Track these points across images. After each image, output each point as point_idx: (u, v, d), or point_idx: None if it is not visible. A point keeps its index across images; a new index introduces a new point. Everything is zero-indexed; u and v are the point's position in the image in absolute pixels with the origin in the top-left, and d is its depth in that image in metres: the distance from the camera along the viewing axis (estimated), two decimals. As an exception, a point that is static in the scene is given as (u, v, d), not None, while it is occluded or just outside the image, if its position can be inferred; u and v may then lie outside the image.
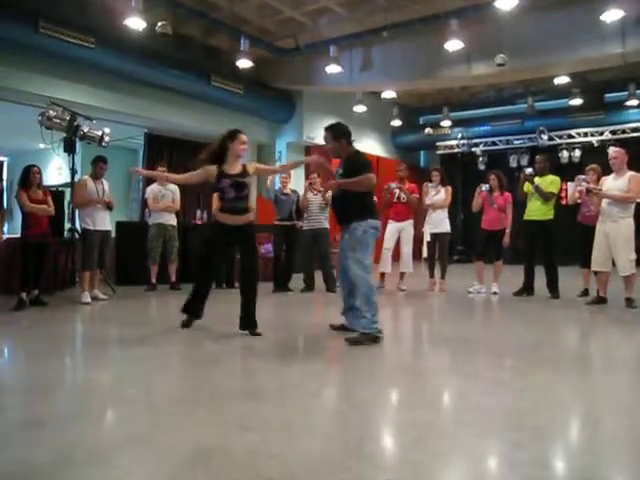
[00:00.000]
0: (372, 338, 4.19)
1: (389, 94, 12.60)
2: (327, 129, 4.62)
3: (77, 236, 6.91)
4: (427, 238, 8.07)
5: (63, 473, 1.98)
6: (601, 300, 6.33)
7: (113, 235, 7.56)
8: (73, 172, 7.09)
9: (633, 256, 6.00)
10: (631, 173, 6.05)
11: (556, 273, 7.03)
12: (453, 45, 9.20)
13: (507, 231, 7.42)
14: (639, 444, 2.31)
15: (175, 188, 8.17)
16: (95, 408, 2.76)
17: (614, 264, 6.17)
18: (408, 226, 7.96)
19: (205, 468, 2.01)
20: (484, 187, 7.61)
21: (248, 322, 4.61)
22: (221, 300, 7.37)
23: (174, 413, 2.66)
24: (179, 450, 2.16)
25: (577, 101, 12.70)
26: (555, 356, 3.97)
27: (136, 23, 8.15)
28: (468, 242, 14.03)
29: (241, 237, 4.67)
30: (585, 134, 13.51)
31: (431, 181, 8.00)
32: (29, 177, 6.14)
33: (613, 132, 13.07)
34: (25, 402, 2.89)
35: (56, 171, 13.53)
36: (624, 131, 12.92)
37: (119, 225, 8.70)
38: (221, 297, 7.61)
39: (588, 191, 6.34)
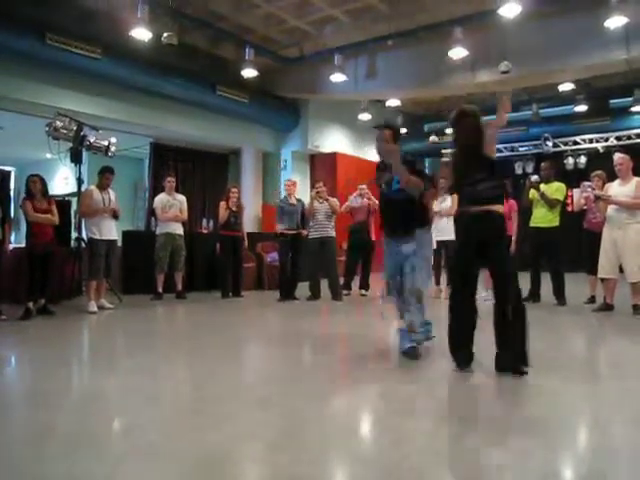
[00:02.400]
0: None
1: (394, 102, 12.64)
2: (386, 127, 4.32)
3: (83, 245, 6.94)
4: (433, 246, 8.05)
5: (70, 482, 1.99)
6: (608, 307, 6.29)
7: (119, 244, 7.59)
8: (79, 182, 7.13)
9: (641, 262, 5.98)
10: (637, 179, 6.04)
11: (562, 280, 7.00)
12: (457, 53, 9.22)
13: (512, 238, 7.40)
14: (647, 452, 2.30)
15: (183, 198, 8.21)
16: (101, 417, 2.76)
17: (621, 270, 6.15)
18: (414, 234, 7.94)
19: (211, 475, 2.01)
20: (490, 194, 7.59)
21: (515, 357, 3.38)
22: (226, 307, 7.39)
23: (180, 422, 2.66)
24: (185, 459, 2.16)
25: (582, 107, 12.68)
26: (562, 363, 3.95)
27: (142, 34, 8.22)
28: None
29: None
30: (590, 140, 13.48)
31: (437, 188, 8.01)
32: (29, 187, 6.20)
33: (618, 138, 13.03)
34: (32, 412, 2.90)
35: (63, 181, 13.60)
36: (629, 137, 12.88)
37: (125, 234, 8.74)
38: (226, 305, 7.63)
39: (597, 197, 6.31)
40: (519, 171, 13.95)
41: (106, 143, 7.21)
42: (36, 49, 8.15)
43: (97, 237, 6.68)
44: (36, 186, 6.22)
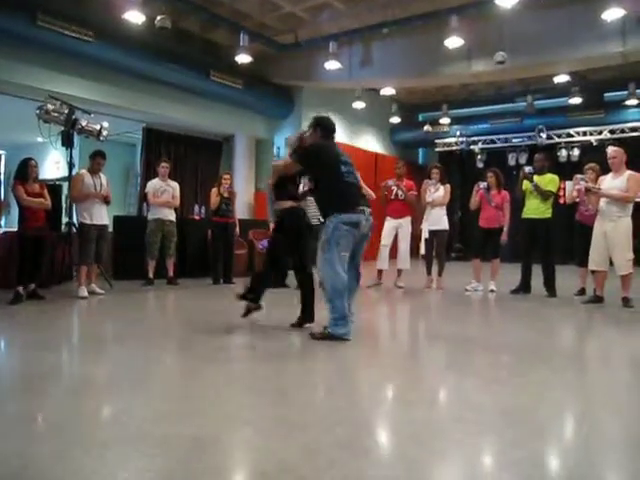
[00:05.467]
0: (333, 338, 4.12)
1: (388, 91, 12.58)
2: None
3: (74, 230, 6.89)
4: (425, 235, 8.07)
5: (59, 466, 1.98)
6: (598, 299, 6.33)
7: (110, 229, 7.55)
8: (71, 166, 7.06)
9: (630, 255, 6.01)
10: (630, 172, 6.05)
11: (553, 271, 7.03)
12: (453, 42, 9.17)
13: (504, 229, 7.43)
14: (635, 442, 2.31)
15: (176, 185, 8.15)
16: (91, 401, 2.75)
17: (611, 263, 6.18)
18: (405, 223, 7.97)
19: (201, 461, 2.00)
20: (482, 185, 7.62)
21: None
22: (217, 294, 7.37)
23: (170, 407, 2.65)
24: (175, 443, 2.16)
25: (576, 100, 12.69)
26: (552, 354, 3.97)
27: (135, 17, 8.12)
28: (466, 240, 14.04)
29: None
30: (584, 133, 13.50)
31: (431, 178, 8.00)
32: (26, 170, 6.12)
33: (612, 131, 13.05)
34: (21, 396, 2.88)
35: (54, 165, 13.49)
36: (623, 130, 12.91)
37: (117, 219, 8.69)
38: (217, 291, 7.62)
39: (587, 190, 6.33)
40: (512, 162, 13.97)
41: (98, 127, 7.13)
42: (27, 30, 8.03)
43: (88, 222, 6.63)
44: (35, 170, 6.18)
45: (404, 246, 7.96)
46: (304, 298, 4.74)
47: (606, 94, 13.23)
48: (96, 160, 6.82)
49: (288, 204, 4.75)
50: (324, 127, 4.50)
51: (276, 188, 4.77)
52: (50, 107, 6.79)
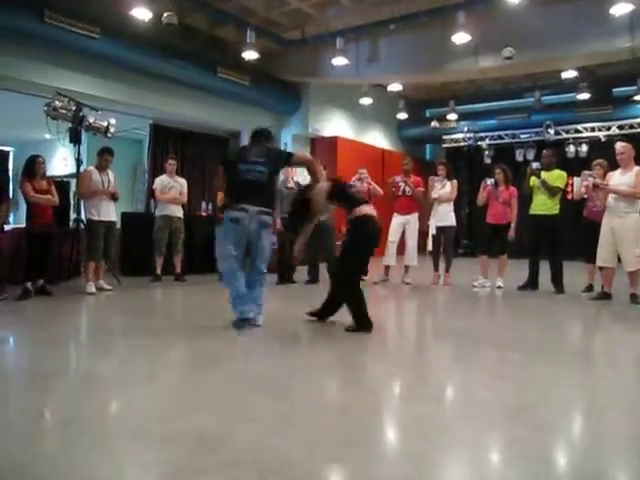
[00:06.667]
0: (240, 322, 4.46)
1: (395, 87, 12.53)
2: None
3: (82, 227, 6.93)
4: (432, 231, 8.06)
5: (64, 462, 1.99)
6: (606, 296, 6.30)
7: (118, 226, 7.58)
8: (78, 163, 7.09)
9: (638, 252, 5.97)
10: (638, 168, 6.01)
11: (561, 268, 7.00)
12: (460, 38, 9.12)
13: (512, 225, 7.41)
14: (641, 440, 2.31)
15: (183, 181, 8.17)
16: (97, 397, 2.77)
17: (619, 260, 6.15)
18: (413, 219, 7.96)
19: (206, 457, 2.01)
20: (489, 181, 7.60)
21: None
22: (224, 290, 7.39)
23: (176, 403, 2.67)
24: (180, 439, 2.17)
25: (584, 95, 12.58)
26: (558, 351, 3.96)
27: (142, 13, 8.13)
28: (473, 236, 14.00)
29: None
30: (592, 129, 13.41)
31: (437, 175, 7.99)
32: (34, 167, 6.17)
33: (620, 127, 12.96)
34: (28, 391, 2.91)
35: (62, 162, 13.53)
36: (631, 126, 12.81)
37: (124, 216, 8.72)
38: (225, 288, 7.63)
39: (595, 186, 6.30)
40: (520, 158, 13.90)
41: (105, 124, 7.15)
42: (34, 27, 8.04)
43: (96, 218, 6.67)
44: (42, 167, 6.23)
45: (411, 242, 7.95)
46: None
47: (614, 89, 13.13)
48: (104, 157, 6.85)
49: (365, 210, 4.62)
50: (251, 135, 4.97)
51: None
52: (58, 104, 6.82)
